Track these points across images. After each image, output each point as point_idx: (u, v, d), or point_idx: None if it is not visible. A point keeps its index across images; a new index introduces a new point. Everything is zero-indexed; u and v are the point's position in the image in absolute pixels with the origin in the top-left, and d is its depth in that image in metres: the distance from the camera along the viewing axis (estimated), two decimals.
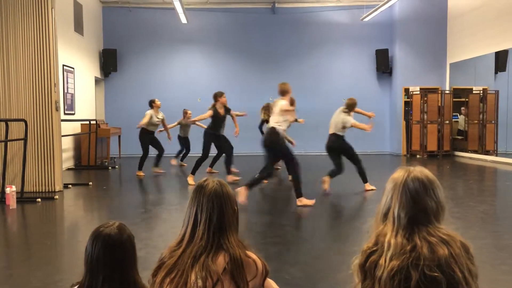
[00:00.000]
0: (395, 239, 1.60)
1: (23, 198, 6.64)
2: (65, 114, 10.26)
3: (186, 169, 10.17)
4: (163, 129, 9.97)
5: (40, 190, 7.33)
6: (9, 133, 6.77)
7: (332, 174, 7.24)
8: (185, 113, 10.42)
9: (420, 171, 1.69)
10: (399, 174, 1.70)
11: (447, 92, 13.22)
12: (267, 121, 9.20)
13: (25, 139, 6.90)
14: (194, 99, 13.03)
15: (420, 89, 13.28)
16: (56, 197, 6.87)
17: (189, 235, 1.79)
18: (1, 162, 6.96)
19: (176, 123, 10.48)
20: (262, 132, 9.64)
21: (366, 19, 13.33)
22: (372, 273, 1.61)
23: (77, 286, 1.71)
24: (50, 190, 7.34)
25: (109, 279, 1.65)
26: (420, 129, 13.05)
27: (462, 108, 13.24)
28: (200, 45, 13.81)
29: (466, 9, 12.50)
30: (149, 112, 9.26)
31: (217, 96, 8.14)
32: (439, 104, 12.99)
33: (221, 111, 8.14)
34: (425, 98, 12.98)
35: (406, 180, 1.66)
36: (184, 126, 10.48)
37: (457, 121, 13.41)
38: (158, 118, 9.37)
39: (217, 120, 8.15)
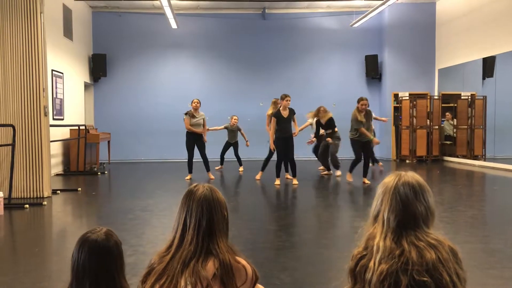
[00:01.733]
0: (383, 242, 1.61)
1: (11, 204, 6.57)
2: (54, 119, 10.17)
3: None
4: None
5: (28, 196, 7.24)
6: None
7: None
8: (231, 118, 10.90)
9: (411, 176, 1.71)
10: (390, 178, 1.72)
11: (436, 97, 13.35)
12: (319, 123, 9.76)
13: (13, 145, 6.83)
14: (184, 104, 12.97)
15: (409, 94, 13.38)
16: (45, 203, 6.80)
17: (178, 240, 1.79)
18: None
19: (222, 127, 10.94)
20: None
21: (355, 25, 13.42)
22: (362, 276, 1.61)
23: None
24: (39, 196, 7.26)
25: (95, 286, 1.63)
26: (409, 134, 13.14)
27: (447, 113, 13.35)
28: (190, 50, 13.79)
29: (454, 16, 12.65)
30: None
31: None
32: (428, 110, 13.11)
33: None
34: (414, 103, 13.09)
35: (396, 185, 1.68)
36: (231, 132, 10.83)
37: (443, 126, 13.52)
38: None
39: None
